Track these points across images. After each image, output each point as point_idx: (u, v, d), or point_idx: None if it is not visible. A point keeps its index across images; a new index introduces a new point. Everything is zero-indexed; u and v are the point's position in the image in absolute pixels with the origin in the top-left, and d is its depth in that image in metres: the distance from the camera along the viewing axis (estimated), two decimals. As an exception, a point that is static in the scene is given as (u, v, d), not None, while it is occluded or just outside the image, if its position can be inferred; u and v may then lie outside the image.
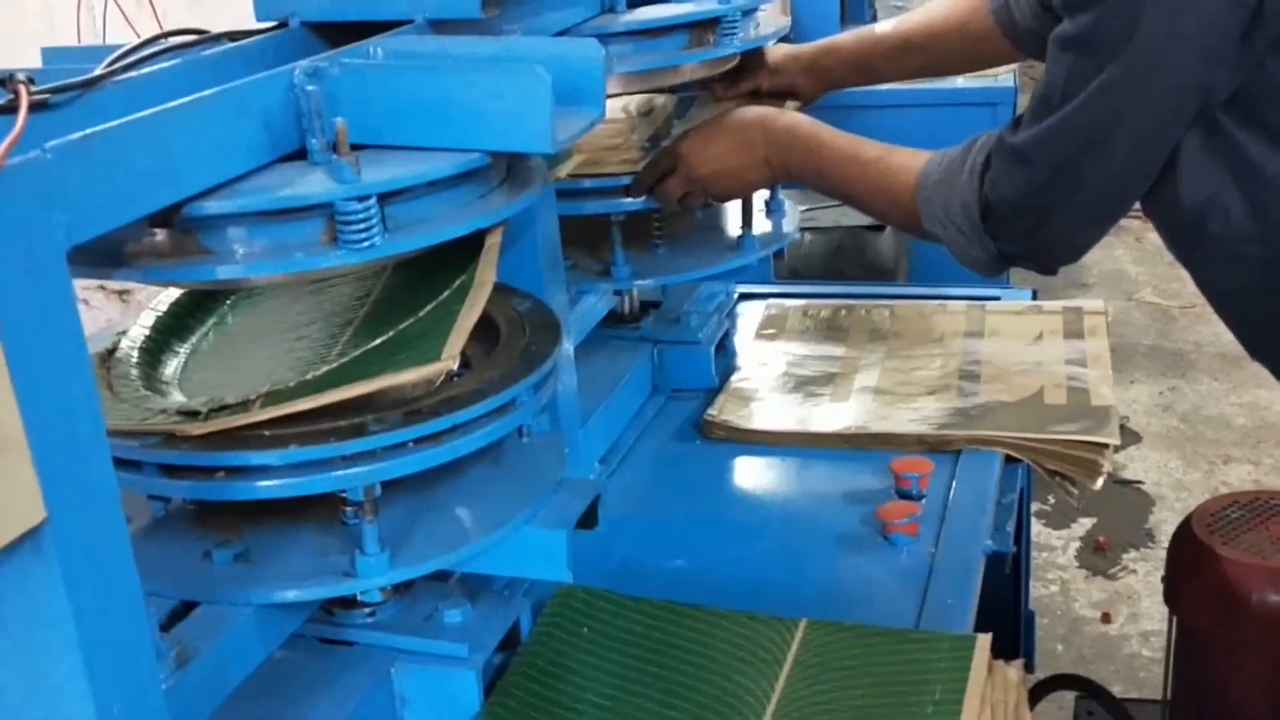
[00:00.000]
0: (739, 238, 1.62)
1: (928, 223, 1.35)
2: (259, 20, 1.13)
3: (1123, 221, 1.39)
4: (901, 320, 1.86)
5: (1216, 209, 1.22)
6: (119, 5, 3.01)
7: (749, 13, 1.53)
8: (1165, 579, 1.94)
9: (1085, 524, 3.27)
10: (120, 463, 0.88)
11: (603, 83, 1.01)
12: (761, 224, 1.67)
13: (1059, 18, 1.20)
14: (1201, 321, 4.24)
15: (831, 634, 1.15)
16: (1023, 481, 1.59)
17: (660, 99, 1.66)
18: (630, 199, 1.50)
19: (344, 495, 0.95)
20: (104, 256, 0.87)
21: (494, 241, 1.03)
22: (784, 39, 1.71)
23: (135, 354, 1.07)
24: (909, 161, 1.38)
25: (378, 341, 1.02)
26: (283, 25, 1.12)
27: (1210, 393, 3.92)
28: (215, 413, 0.93)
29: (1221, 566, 1.77)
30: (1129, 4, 1.12)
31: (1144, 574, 3.05)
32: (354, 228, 0.87)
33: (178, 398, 1.02)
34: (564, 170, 1.27)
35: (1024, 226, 1.28)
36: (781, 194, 1.72)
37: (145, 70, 0.96)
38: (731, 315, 1.87)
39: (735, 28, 1.49)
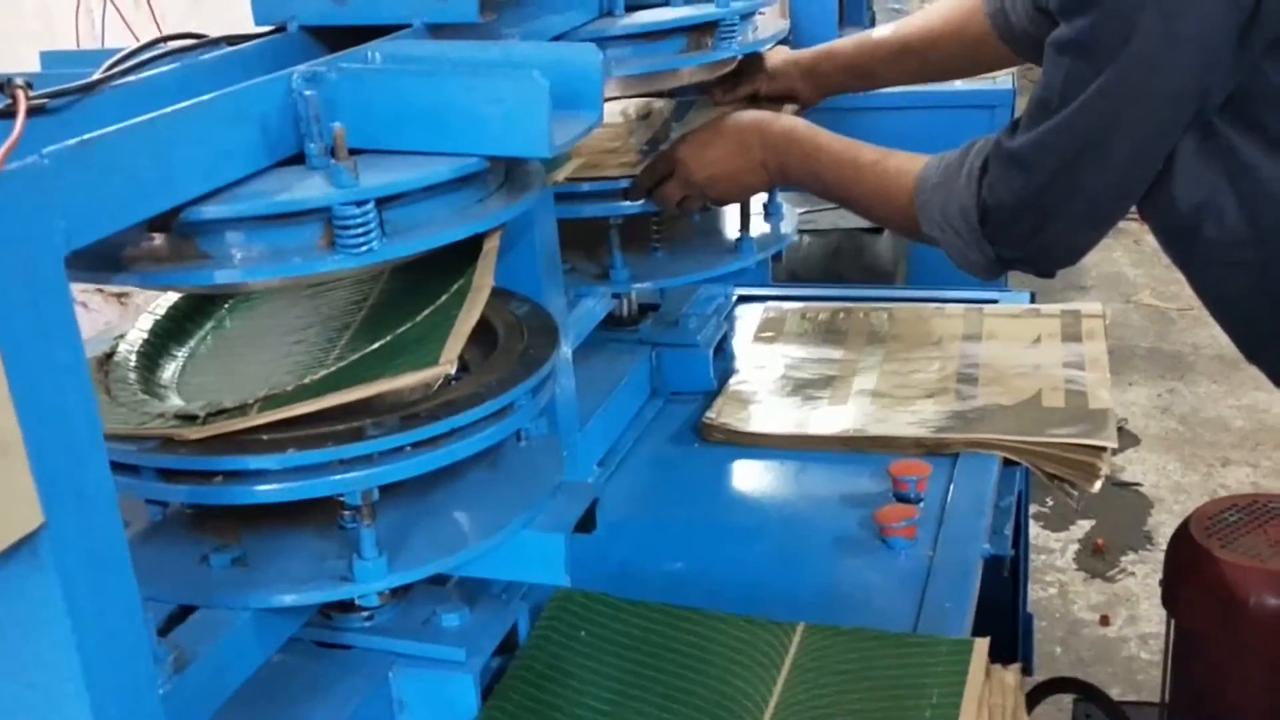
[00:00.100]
0: (737, 241, 1.62)
1: (926, 226, 1.36)
2: (257, 24, 1.13)
3: (1121, 224, 1.40)
4: (900, 323, 1.86)
5: (1212, 212, 1.23)
6: (117, 8, 3.01)
7: (747, 16, 1.53)
8: (1163, 582, 1.95)
9: (1084, 526, 3.27)
10: (118, 467, 0.88)
11: (600, 87, 1.01)
12: (760, 227, 1.67)
13: (1055, 21, 1.21)
14: (1200, 324, 4.24)
15: (829, 638, 1.15)
16: (1021, 484, 1.59)
17: (658, 102, 1.67)
18: (628, 202, 1.50)
19: (342, 499, 0.95)
20: (102, 261, 0.87)
21: (492, 246, 1.03)
22: (782, 42, 1.71)
23: (133, 358, 1.07)
24: (907, 165, 1.38)
25: (375, 346, 1.02)
26: (281, 29, 1.12)
27: (1208, 395, 3.92)
28: (213, 417, 0.93)
29: (1219, 569, 1.77)
30: (1125, 8, 1.12)
31: (1142, 576, 3.05)
32: (352, 232, 0.87)
33: (175, 402, 1.02)
34: (562, 174, 1.28)
35: (1022, 230, 1.29)
36: (779, 197, 1.72)
37: (143, 74, 0.96)
38: (730, 318, 1.87)
39: (733, 31, 1.49)
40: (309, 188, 0.88)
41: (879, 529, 1.33)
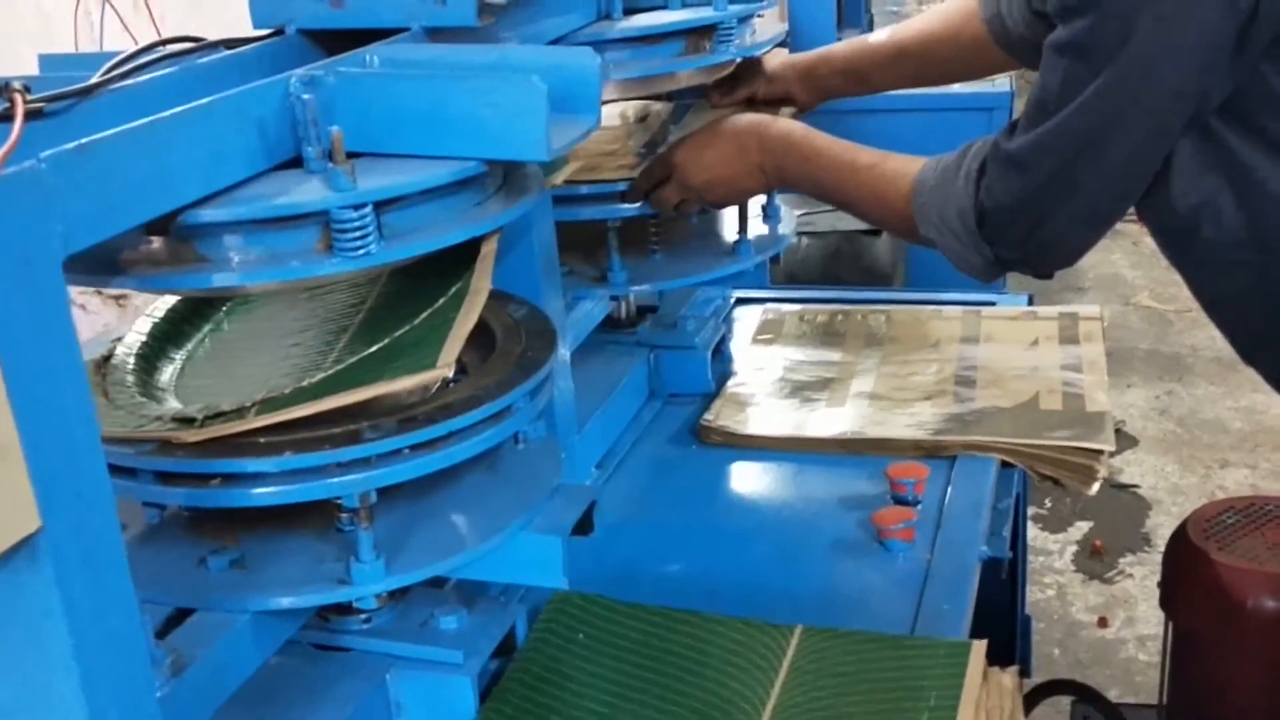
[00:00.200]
0: (735, 243, 1.62)
1: (923, 228, 1.36)
2: (256, 27, 1.13)
3: (1119, 226, 1.40)
4: (898, 326, 1.86)
5: (1210, 213, 1.23)
6: (115, 10, 3.01)
7: (745, 20, 1.53)
8: (1161, 584, 1.95)
9: (1082, 528, 3.28)
10: (116, 470, 0.89)
11: (598, 90, 1.01)
12: (758, 229, 1.67)
13: (1051, 25, 1.21)
14: (1198, 326, 4.25)
15: (827, 640, 1.15)
16: (1019, 486, 1.59)
17: (656, 105, 1.67)
18: (626, 205, 1.50)
19: (339, 502, 0.95)
20: (100, 264, 0.87)
21: (489, 249, 1.03)
22: (780, 45, 1.71)
23: (131, 360, 1.07)
24: (904, 168, 1.38)
25: (373, 348, 1.02)
26: (279, 33, 1.12)
27: (1207, 397, 3.93)
28: (210, 420, 0.93)
29: (1217, 571, 1.78)
30: (1124, 10, 1.12)
31: (1141, 578, 3.05)
32: (349, 236, 0.87)
33: (173, 404, 1.02)
34: (560, 177, 1.28)
35: (1019, 232, 1.29)
36: (777, 199, 1.72)
37: (141, 78, 0.96)
38: (728, 320, 1.87)
39: (731, 35, 1.49)
40: (307, 191, 0.88)
41: (877, 531, 1.33)
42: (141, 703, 0.73)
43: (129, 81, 0.94)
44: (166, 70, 0.99)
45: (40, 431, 0.64)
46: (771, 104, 1.68)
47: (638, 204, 1.50)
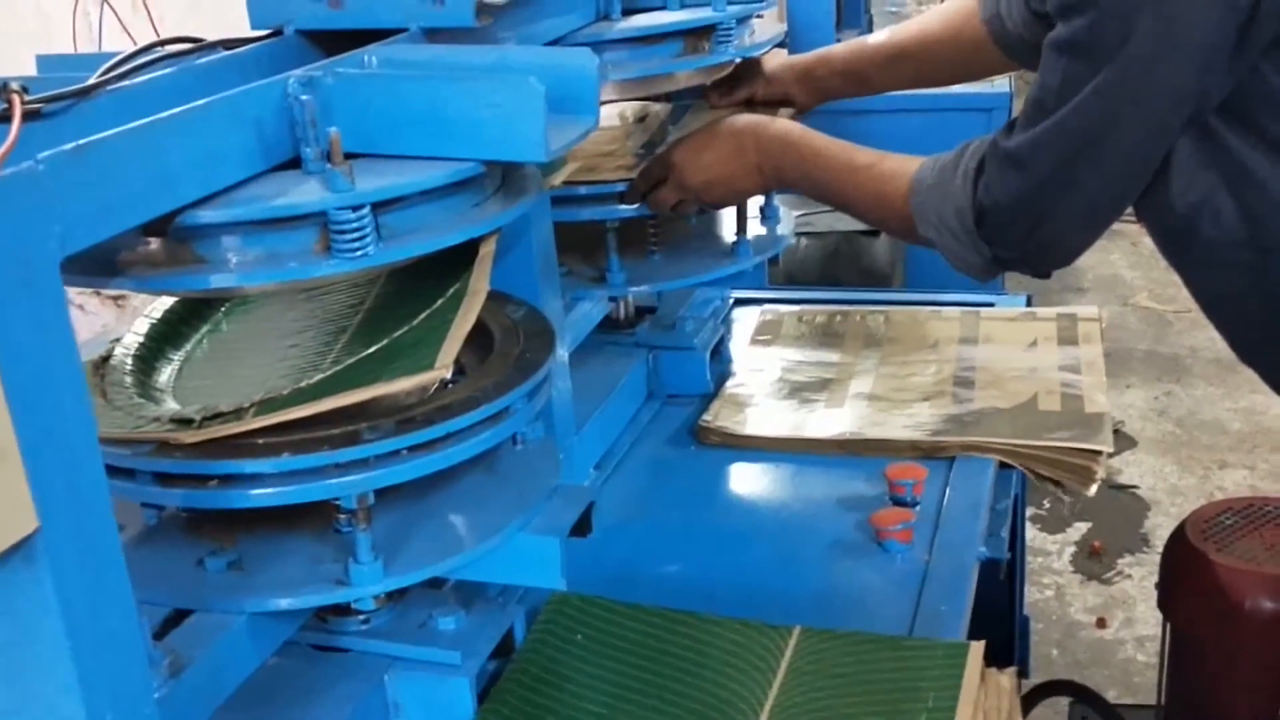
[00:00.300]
0: (734, 244, 1.62)
1: (922, 228, 1.36)
2: (254, 28, 1.13)
3: (1118, 226, 1.40)
4: (896, 326, 1.86)
5: (1208, 213, 1.23)
6: (114, 10, 3.01)
7: (743, 20, 1.53)
8: (1159, 585, 1.95)
9: (1080, 529, 3.28)
10: (113, 470, 0.89)
11: (596, 91, 1.01)
12: (756, 230, 1.67)
13: (1050, 25, 1.21)
14: (1197, 326, 4.25)
15: (825, 641, 1.15)
16: (1017, 487, 1.59)
17: (655, 105, 1.67)
18: (625, 205, 1.50)
19: (338, 503, 0.95)
20: (98, 265, 0.87)
21: (488, 250, 1.03)
22: (779, 46, 1.71)
23: (129, 361, 1.07)
24: (902, 167, 1.38)
25: (372, 349, 1.02)
26: (277, 33, 1.12)
27: (1206, 397, 3.93)
28: (209, 420, 0.93)
29: (1215, 573, 1.78)
30: (1124, 8, 1.12)
31: (1139, 579, 3.05)
32: (348, 237, 0.87)
33: (172, 405, 1.02)
34: (559, 178, 1.28)
35: (1018, 231, 1.29)
36: (776, 199, 1.72)
37: (140, 79, 0.96)
38: (727, 321, 1.87)
39: (730, 35, 1.49)
40: (305, 192, 0.88)
41: (875, 532, 1.33)
42: (139, 704, 0.73)
43: (127, 82, 0.94)
44: (165, 71, 0.99)
45: (38, 432, 0.64)
46: (770, 105, 1.68)
47: (636, 205, 1.50)
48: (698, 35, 1.50)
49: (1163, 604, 1.94)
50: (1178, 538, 1.88)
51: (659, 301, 1.79)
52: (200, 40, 1.07)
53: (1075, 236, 1.30)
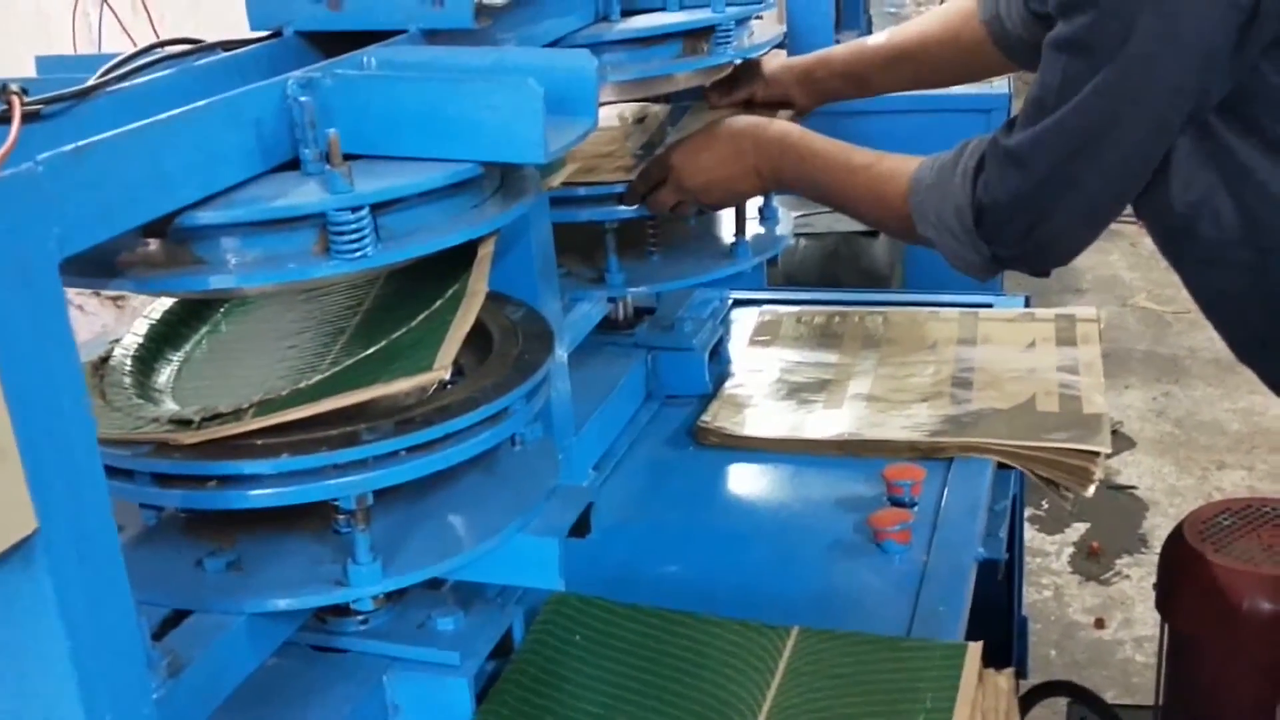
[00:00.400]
0: (733, 245, 1.62)
1: (921, 227, 1.36)
2: (253, 29, 1.13)
3: (1116, 227, 1.40)
4: (895, 327, 1.87)
5: (1207, 212, 1.23)
6: (114, 11, 3.01)
7: (742, 22, 1.54)
8: (1157, 586, 1.95)
9: (1079, 529, 3.28)
10: (113, 471, 0.89)
11: (595, 93, 1.01)
12: (755, 231, 1.67)
13: (1050, 25, 1.21)
14: (1196, 327, 4.25)
15: (824, 642, 1.15)
16: (1015, 488, 1.59)
17: (654, 106, 1.67)
18: (624, 207, 1.50)
19: (336, 504, 0.95)
20: (97, 266, 0.87)
21: (486, 251, 1.03)
22: (778, 47, 1.71)
23: (128, 362, 1.07)
24: (900, 167, 1.38)
25: (370, 350, 1.02)
26: (277, 34, 1.12)
27: (1204, 398, 3.93)
28: (207, 421, 0.93)
29: (1213, 573, 1.78)
30: (1124, 6, 1.12)
31: (1137, 579, 3.06)
32: (346, 238, 0.88)
33: (170, 406, 1.02)
34: (557, 179, 1.28)
35: (1018, 229, 1.29)
36: (775, 200, 1.72)
37: (139, 80, 0.96)
38: (725, 322, 1.88)
39: (729, 36, 1.50)
40: (304, 193, 0.88)
41: (873, 533, 1.34)
42: (138, 704, 0.73)
43: (126, 83, 0.94)
44: (164, 72, 0.99)
45: (37, 433, 0.64)
46: (770, 106, 1.68)
47: (635, 207, 1.50)
48: (697, 36, 1.50)
49: (1161, 605, 1.94)
50: (1176, 538, 1.88)
51: (658, 302, 1.79)
52: (199, 41, 1.07)
53: (1074, 235, 1.30)
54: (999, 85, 2.88)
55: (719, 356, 1.77)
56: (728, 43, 1.50)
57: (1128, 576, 3.09)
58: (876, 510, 1.37)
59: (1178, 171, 1.22)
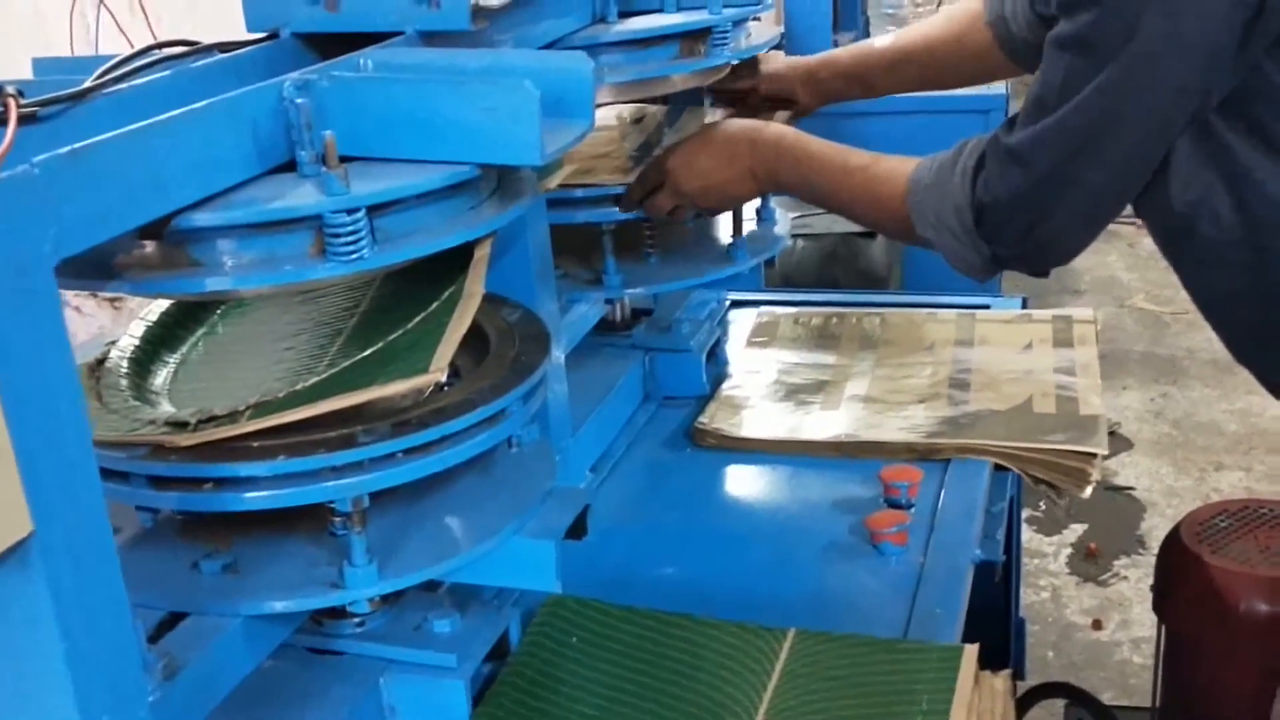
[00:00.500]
0: (730, 246, 1.62)
1: (920, 228, 1.35)
2: (250, 30, 1.13)
3: (1115, 227, 1.40)
4: (892, 328, 1.87)
5: (1206, 212, 1.22)
6: (111, 12, 3.00)
7: (740, 23, 1.54)
8: (1154, 587, 1.95)
9: (1077, 530, 3.28)
10: (109, 473, 0.89)
11: (591, 95, 1.01)
12: (752, 232, 1.67)
13: (1055, 25, 1.20)
14: (1194, 328, 4.25)
15: (820, 644, 1.15)
16: (1013, 489, 1.59)
17: (652, 107, 1.67)
18: (620, 199, 1.50)
19: (333, 506, 0.95)
20: (93, 268, 0.87)
21: (483, 254, 1.03)
22: (776, 48, 1.71)
23: (125, 364, 1.07)
24: (898, 168, 1.38)
25: (367, 352, 1.02)
26: (273, 36, 1.12)
27: (1202, 399, 3.93)
28: (204, 424, 0.93)
29: (1209, 575, 1.78)
30: (1128, 5, 1.11)
31: (1135, 580, 3.06)
32: (343, 240, 0.88)
33: (167, 408, 1.02)
34: (554, 181, 1.28)
35: (1018, 228, 1.28)
36: (773, 202, 1.72)
37: (135, 82, 0.96)
38: (723, 323, 1.88)
39: (726, 38, 1.50)
40: (300, 195, 0.88)
41: (870, 534, 1.34)
42: (134, 707, 0.73)
43: (123, 85, 0.94)
44: (160, 74, 0.99)
45: (32, 436, 0.64)
46: (773, 103, 1.68)
47: (632, 212, 1.50)
48: (694, 38, 1.50)
49: (1158, 606, 1.94)
50: (1172, 540, 1.88)
51: (655, 303, 1.79)
52: (196, 43, 1.07)
53: (1074, 234, 1.30)
54: (996, 86, 2.87)
55: (716, 358, 1.77)
56: (725, 44, 1.50)
57: (1125, 578, 3.09)
58: (873, 512, 1.37)
59: (1177, 171, 1.22)
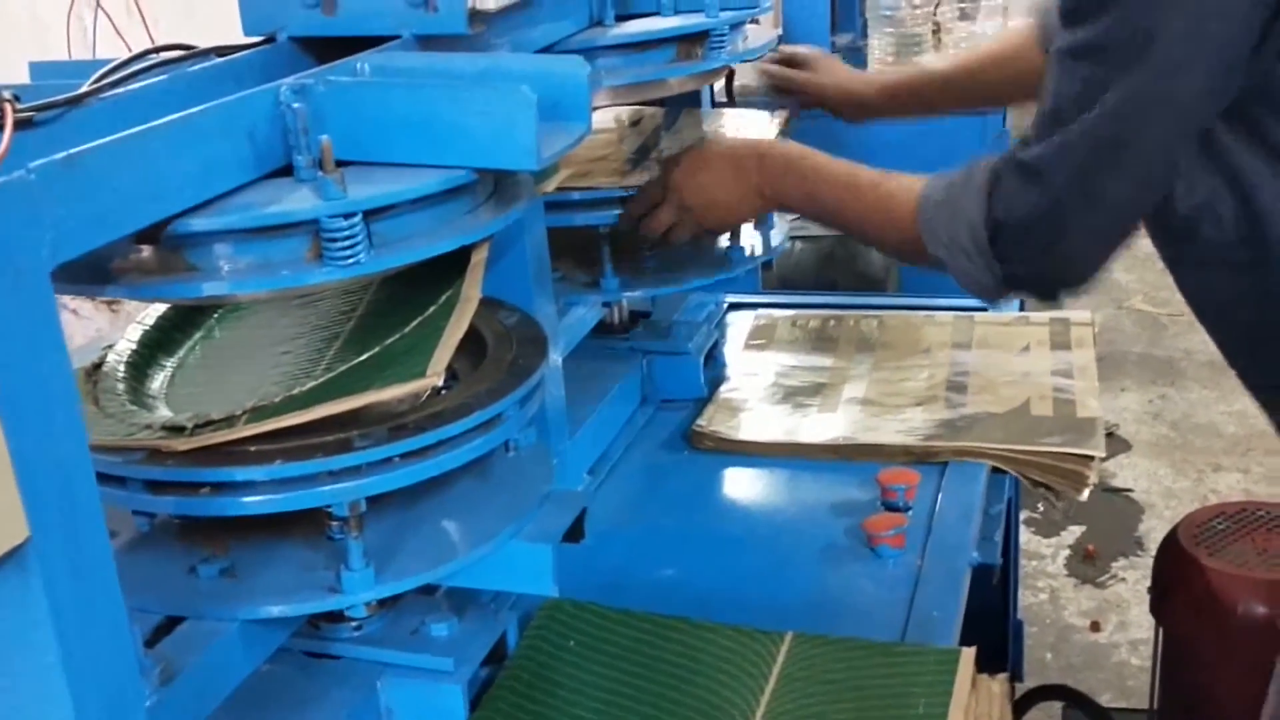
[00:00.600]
0: (728, 249, 1.62)
1: (931, 247, 1.30)
2: (247, 35, 1.13)
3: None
4: (890, 331, 1.87)
5: (1209, 215, 1.21)
6: (109, 16, 3.00)
7: (737, 26, 1.54)
8: (1152, 589, 1.96)
9: (1075, 532, 3.28)
10: (105, 478, 0.89)
11: (588, 99, 1.01)
12: (750, 235, 1.67)
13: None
14: (1192, 329, 4.25)
15: (817, 647, 1.15)
16: (1010, 492, 1.59)
17: (650, 109, 1.67)
18: (619, 212, 1.50)
19: (330, 510, 0.95)
20: (90, 273, 0.87)
21: (480, 258, 1.03)
22: (774, 51, 1.72)
23: (122, 368, 1.07)
24: (908, 184, 1.34)
25: (364, 357, 1.02)
26: (270, 40, 1.12)
27: (1200, 401, 3.93)
28: (201, 428, 0.93)
29: (1207, 577, 1.78)
30: (1146, 8, 1.09)
31: (1133, 582, 3.06)
32: (339, 244, 0.87)
33: (164, 412, 1.02)
34: (551, 184, 1.27)
35: (1036, 246, 1.23)
36: (770, 205, 1.72)
37: (132, 86, 0.96)
38: (720, 325, 1.88)
39: (723, 41, 1.50)
40: (297, 200, 0.88)
41: (868, 537, 1.34)
42: (130, 712, 0.73)
43: (119, 90, 0.94)
44: (157, 79, 0.99)
45: (28, 440, 0.64)
46: (805, 96, 1.73)
47: (631, 227, 1.49)
48: (691, 41, 1.50)
49: (1155, 608, 1.94)
50: (1170, 542, 1.88)
51: (653, 306, 1.79)
52: (193, 47, 1.07)
53: (1094, 251, 1.24)
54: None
55: (714, 360, 1.78)
56: (722, 47, 1.50)
57: (1123, 580, 3.09)
58: (871, 515, 1.37)
59: (1181, 175, 1.21)
